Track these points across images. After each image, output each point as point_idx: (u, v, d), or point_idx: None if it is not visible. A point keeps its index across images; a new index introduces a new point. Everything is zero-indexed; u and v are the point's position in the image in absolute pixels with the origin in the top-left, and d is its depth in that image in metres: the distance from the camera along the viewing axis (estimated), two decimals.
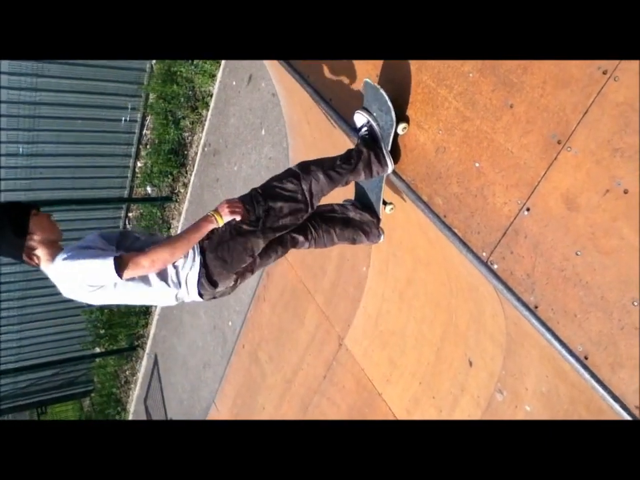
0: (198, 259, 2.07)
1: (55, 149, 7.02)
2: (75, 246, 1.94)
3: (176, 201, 7.30)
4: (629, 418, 2.16)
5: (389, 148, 2.47)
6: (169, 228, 7.41)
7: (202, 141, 6.70)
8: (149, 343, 8.23)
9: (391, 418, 3.85)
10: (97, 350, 8.74)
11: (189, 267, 2.07)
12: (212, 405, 5.85)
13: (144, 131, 7.54)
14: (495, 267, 2.50)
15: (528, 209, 2.32)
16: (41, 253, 1.96)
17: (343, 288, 4.33)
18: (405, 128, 2.48)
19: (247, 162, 5.81)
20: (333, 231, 2.53)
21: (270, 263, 2.40)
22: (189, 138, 7.03)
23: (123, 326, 8.28)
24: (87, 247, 1.91)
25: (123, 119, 7.31)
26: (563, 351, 2.34)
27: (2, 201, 1.73)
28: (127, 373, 8.76)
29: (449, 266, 3.17)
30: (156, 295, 2.12)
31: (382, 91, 2.36)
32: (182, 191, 7.23)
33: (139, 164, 7.73)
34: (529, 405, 2.89)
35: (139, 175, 7.77)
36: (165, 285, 2.08)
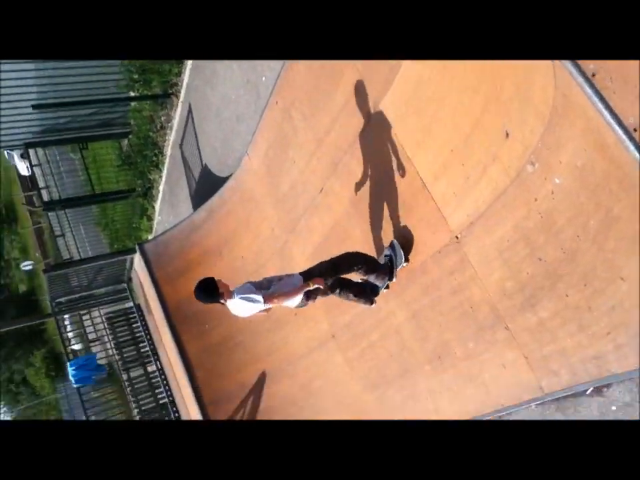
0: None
1: None
2: (241, 290, 3.70)
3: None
4: None
5: (396, 271, 4.26)
6: None
7: None
8: (183, 91, 8.14)
9: (418, 182, 3.96)
10: (132, 94, 8.76)
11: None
12: (245, 155, 6.01)
13: None
14: None
15: None
16: (224, 299, 3.71)
17: None
18: (405, 264, 4.21)
19: None
20: (348, 291, 4.25)
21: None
22: None
23: (157, 72, 8.11)
24: (246, 292, 3.68)
25: None
26: (613, 122, 2.26)
27: (200, 281, 3.67)
28: (162, 119, 8.83)
29: None
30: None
31: (401, 251, 4.18)
32: None
33: None
34: (559, 178, 2.91)
35: None
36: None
